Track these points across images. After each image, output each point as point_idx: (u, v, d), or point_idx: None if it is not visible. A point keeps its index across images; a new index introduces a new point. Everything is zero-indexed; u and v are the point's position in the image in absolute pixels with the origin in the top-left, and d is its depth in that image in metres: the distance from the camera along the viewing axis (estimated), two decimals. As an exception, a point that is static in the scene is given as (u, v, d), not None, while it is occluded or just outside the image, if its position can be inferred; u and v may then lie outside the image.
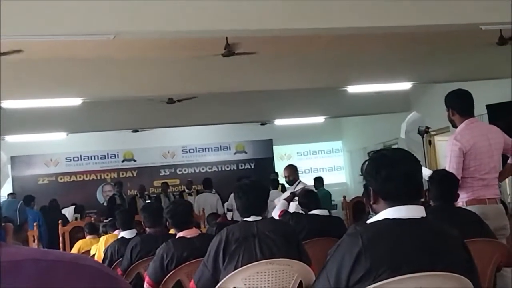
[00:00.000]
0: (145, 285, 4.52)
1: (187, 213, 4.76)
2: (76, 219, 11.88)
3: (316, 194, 6.82)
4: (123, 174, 16.94)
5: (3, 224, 1.19)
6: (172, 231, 5.38)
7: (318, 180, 13.54)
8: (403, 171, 2.36)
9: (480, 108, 10.22)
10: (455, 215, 4.11)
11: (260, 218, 3.91)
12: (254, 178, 12.20)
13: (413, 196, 2.38)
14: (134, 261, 5.18)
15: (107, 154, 16.98)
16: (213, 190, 12.73)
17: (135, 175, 16.94)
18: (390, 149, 3.17)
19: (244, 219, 3.94)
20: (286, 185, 8.08)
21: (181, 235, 4.60)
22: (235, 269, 3.61)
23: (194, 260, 4.24)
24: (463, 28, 5.88)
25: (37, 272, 0.96)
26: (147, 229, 5.53)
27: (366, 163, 2.46)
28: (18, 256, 0.98)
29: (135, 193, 15.16)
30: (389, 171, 2.35)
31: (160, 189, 15.50)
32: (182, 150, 17.40)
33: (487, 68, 9.16)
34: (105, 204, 15.92)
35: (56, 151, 16.15)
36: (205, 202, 11.60)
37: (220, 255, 3.72)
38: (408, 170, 2.38)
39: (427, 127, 8.68)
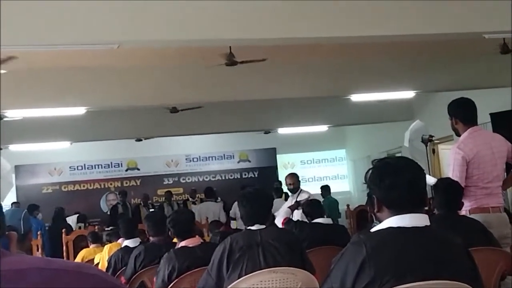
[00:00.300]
0: None
1: (189, 222, 4.74)
2: (79, 228, 11.88)
3: (320, 203, 6.81)
4: (126, 183, 16.93)
5: (7, 233, 1.19)
6: (175, 239, 5.37)
7: (325, 189, 13.53)
8: (407, 179, 2.35)
9: (483, 117, 10.23)
10: (459, 224, 4.10)
11: (263, 226, 3.91)
12: (258, 186, 12.23)
13: (417, 205, 2.37)
14: (138, 269, 5.18)
15: (111, 163, 16.99)
16: (218, 198, 12.74)
17: (138, 184, 16.93)
18: (394, 157, 3.16)
19: (248, 227, 3.94)
20: (290, 194, 8.10)
21: (183, 244, 4.59)
22: (239, 278, 3.61)
23: (197, 269, 4.23)
24: (466, 36, 5.89)
25: (41, 281, 0.96)
26: (151, 238, 5.53)
27: (370, 171, 2.46)
28: (22, 265, 0.98)
29: (138, 202, 15.15)
30: (393, 180, 2.35)
31: (163, 198, 15.49)
32: (186, 159, 17.40)
33: (490, 76, 9.17)
34: (108, 213, 15.93)
35: (60, 160, 16.16)
36: (207, 211, 11.60)
37: (224, 263, 3.72)
38: (412, 179, 2.37)
39: (431, 136, 8.67)
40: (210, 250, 4.04)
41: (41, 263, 1.01)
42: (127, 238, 6.22)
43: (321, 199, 9.78)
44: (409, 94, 10.34)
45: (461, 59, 9.16)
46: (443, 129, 11.82)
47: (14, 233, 1.23)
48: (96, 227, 11.03)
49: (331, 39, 5.72)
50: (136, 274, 5.12)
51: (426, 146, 8.80)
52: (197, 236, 4.80)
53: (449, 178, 4.62)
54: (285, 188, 14.89)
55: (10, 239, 1.21)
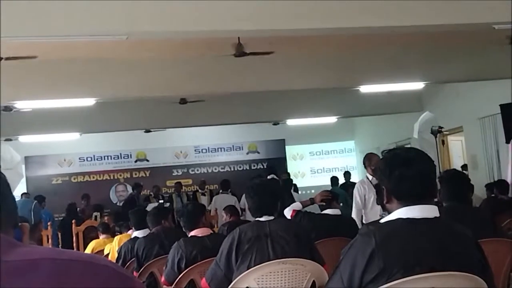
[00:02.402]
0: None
1: (195, 213, 4.84)
2: (95, 217, 11.93)
3: (333, 194, 6.70)
4: (136, 174, 16.99)
5: (20, 224, 1.20)
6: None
7: (333, 180, 13.64)
8: (417, 171, 2.35)
9: (493, 108, 10.20)
10: (468, 215, 4.05)
11: (272, 218, 3.91)
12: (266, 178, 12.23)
13: (427, 196, 2.37)
14: (142, 260, 5.28)
15: (120, 154, 17.03)
16: (229, 190, 12.77)
17: (148, 175, 16.98)
18: (404, 148, 3.11)
19: (256, 219, 3.94)
20: (369, 177, 7.54)
21: (192, 234, 4.68)
22: (247, 269, 3.62)
23: (207, 260, 4.26)
24: (475, 27, 5.85)
25: (53, 271, 0.97)
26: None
27: (380, 162, 2.46)
28: (35, 255, 0.99)
29: (148, 193, 15.18)
30: (403, 171, 2.34)
31: (173, 189, 15.52)
32: (195, 150, 17.42)
33: (500, 67, 9.10)
34: (118, 204, 16.02)
35: (69, 151, 16.23)
36: (222, 203, 11.60)
37: (232, 254, 3.73)
38: (422, 170, 2.37)
39: (440, 127, 8.66)
40: (219, 240, 4.11)
41: (54, 254, 1.02)
42: (137, 229, 6.27)
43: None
44: (418, 85, 10.29)
45: (471, 50, 9.11)
46: (453, 120, 11.79)
47: (27, 224, 1.24)
48: (106, 218, 11.07)
49: (340, 30, 5.69)
50: (146, 265, 5.17)
51: (436, 137, 8.80)
52: (206, 227, 4.86)
53: (454, 169, 4.58)
54: (295, 180, 14.99)
55: (23, 230, 1.22)
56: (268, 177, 11.77)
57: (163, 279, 4.58)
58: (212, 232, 4.91)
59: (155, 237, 5.49)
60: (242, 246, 3.72)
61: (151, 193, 14.80)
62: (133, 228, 6.50)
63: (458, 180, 4.31)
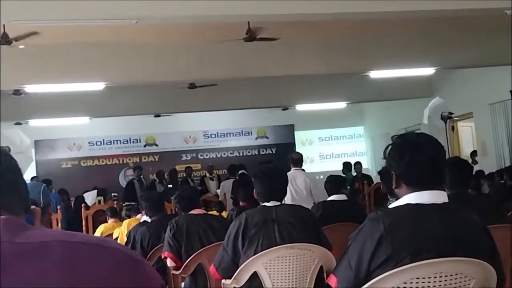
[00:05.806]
0: (168, 261, 4.68)
1: (192, 198, 5.08)
2: (99, 202, 11.96)
3: (338, 179, 6.68)
4: (145, 158, 17.03)
5: (32, 207, 1.21)
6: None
7: (346, 166, 13.62)
8: (427, 156, 2.34)
9: (503, 94, 10.15)
10: (472, 202, 4.01)
11: (279, 203, 3.92)
12: (275, 163, 12.23)
13: (436, 182, 2.36)
14: (147, 249, 5.30)
15: (129, 138, 17.08)
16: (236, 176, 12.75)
17: (156, 159, 17.01)
18: (414, 133, 3.12)
19: (263, 204, 3.95)
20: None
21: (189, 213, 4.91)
22: (254, 254, 3.63)
23: (214, 244, 4.29)
24: (487, 12, 5.82)
25: (63, 253, 0.98)
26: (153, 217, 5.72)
27: (390, 147, 2.44)
28: (45, 238, 1.00)
29: (154, 178, 15.17)
30: (413, 156, 2.33)
31: (183, 174, 15.50)
32: (204, 135, 17.44)
33: (511, 53, 9.06)
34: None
35: (79, 135, 16.28)
36: (230, 188, 11.63)
37: (239, 239, 3.74)
38: (432, 155, 2.36)
39: (450, 113, 8.64)
40: (210, 218, 4.77)
41: (64, 236, 1.02)
42: (152, 215, 6.26)
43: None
44: (428, 70, 10.25)
45: (481, 36, 9.06)
46: (463, 106, 11.73)
47: (38, 209, 1.25)
48: (115, 202, 11.12)
49: (350, 15, 5.68)
50: (153, 250, 5.19)
51: (446, 123, 8.78)
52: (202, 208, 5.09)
53: (456, 157, 4.56)
54: (309, 164, 14.95)
55: (34, 215, 1.23)
56: (239, 172, 11.87)
57: (166, 253, 4.68)
58: (205, 212, 5.17)
59: (158, 223, 5.48)
60: (249, 230, 3.73)
61: (156, 178, 14.75)
62: (143, 212, 6.48)
63: (461, 168, 4.26)
